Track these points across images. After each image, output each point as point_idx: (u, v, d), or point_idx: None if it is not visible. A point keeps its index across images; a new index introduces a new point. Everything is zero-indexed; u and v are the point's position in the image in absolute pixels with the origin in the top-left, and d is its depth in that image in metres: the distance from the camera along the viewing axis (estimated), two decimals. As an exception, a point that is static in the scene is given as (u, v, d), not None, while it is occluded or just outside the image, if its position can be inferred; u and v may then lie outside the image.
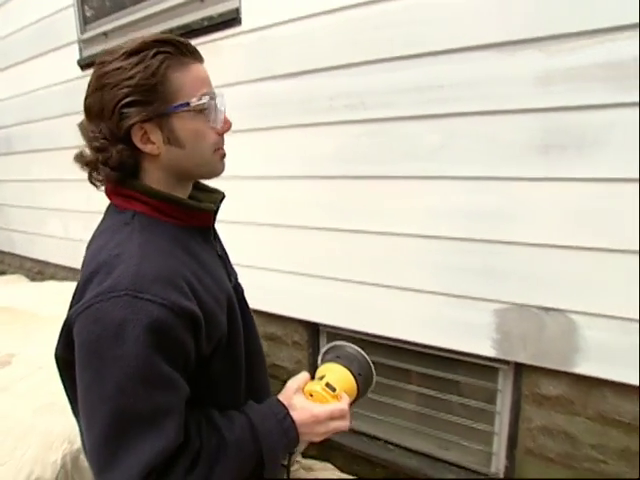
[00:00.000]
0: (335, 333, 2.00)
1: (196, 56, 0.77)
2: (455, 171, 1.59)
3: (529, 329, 1.55)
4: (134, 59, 0.71)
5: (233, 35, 1.87)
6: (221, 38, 1.90)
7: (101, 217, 0.85)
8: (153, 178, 0.79)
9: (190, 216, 0.82)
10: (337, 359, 0.96)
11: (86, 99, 0.75)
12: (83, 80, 2.87)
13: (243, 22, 1.86)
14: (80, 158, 0.78)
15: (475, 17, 1.46)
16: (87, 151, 0.77)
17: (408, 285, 1.74)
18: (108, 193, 0.82)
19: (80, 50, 2.65)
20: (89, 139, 0.75)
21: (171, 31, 2.01)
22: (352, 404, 0.91)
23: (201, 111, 0.76)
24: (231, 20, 1.85)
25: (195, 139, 0.78)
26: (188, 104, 0.75)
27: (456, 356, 1.77)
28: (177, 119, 0.75)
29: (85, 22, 2.60)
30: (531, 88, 1.40)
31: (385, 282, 1.79)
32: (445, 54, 1.52)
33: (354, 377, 0.93)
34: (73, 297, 0.75)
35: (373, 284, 1.81)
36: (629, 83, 1.27)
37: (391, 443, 2.00)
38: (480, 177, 1.55)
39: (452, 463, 1.86)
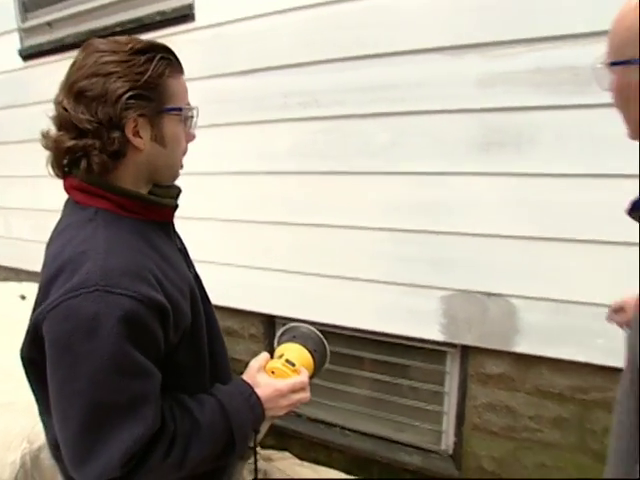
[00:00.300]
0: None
1: (182, 69, 0.84)
2: (405, 167, 1.68)
3: (473, 313, 1.67)
4: (142, 57, 0.77)
5: (187, 31, 1.87)
6: (175, 33, 1.90)
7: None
8: (126, 172, 0.81)
9: (151, 211, 0.85)
10: (294, 339, 1.03)
11: (77, 81, 0.75)
12: (25, 72, 2.73)
13: (197, 18, 1.87)
14: (56, 143, 0.77)
15: (423, 22, 1.56)
16: (63, 136, 0.76)
17: (361, 276, 1.82)
18: (69, 189, 0.82)
19: (21, 39, 2.54)
20: (78, 120, 0.74)
21: (122, 24, 1.99)
22: (311, 379, 0.97)
23: (185, 118, 0.85)
24: (185, 16, 1.86)
25: (175, 142, 0.85)
26: (180, 109, 0.83)
27: (407, 342, 1.87)
28: (167, 120, 0.82)
29: (25, 10, 2.49)
30: (473, 90, 1.51)
31: (339, 273, 1.86)
32: (396, 56, 1.61)
33: (310, 354, 1.00)
34: (37, 297, 0.75)
35: (328, 276, 1.88)
36: (557, 88, 1.40)
37: (347, 429, 2.08)
38: (428, 172, 1.65)
39: (405, 444, 1.97)
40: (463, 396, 1.81)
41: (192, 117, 0.88)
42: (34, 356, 0.75)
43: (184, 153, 0.91)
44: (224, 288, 2.09)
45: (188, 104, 0.86)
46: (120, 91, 0.74)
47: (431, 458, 1.91)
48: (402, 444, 1.97)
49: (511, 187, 1.53)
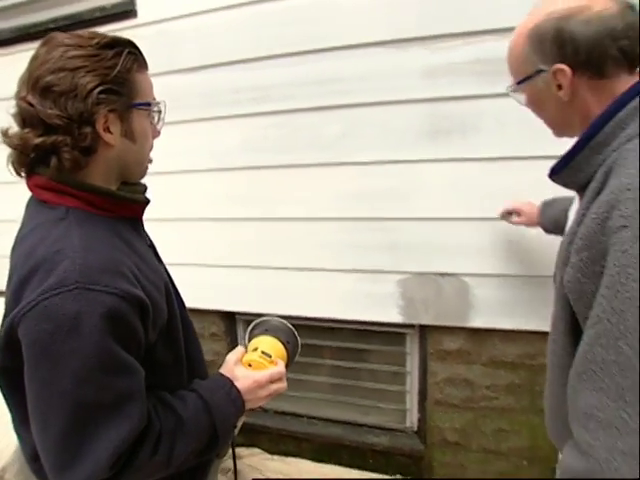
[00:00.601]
0: (252, 320, 2.05)
1: (147, 64, 0.85)
2: (356, 157, 1.74)
3: (429, 294, 1.76)
4: (110, 52, 0.76)
5: (130, 27, 1.82)
6: (116, 30, 1.84)
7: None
8: (96, 169, 0.80)
9: (122, 207, 0.85)
10: (266, 332, 1.06)
11: (42, 76, 0.73)
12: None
13: (139, 14, 1.82)
14: (22, 140, 0.75)
15: (368, 17, 1.62)
16: (28, 133, 0.74)
17: (319, 266, 1.86)
18: (34, 188, 0.80)
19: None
20: (46, 116, 0.72)
21: (56, 20, 1.90)
22: (285, 369, 1.00)
23: (154, 113, 0.86)
24: (126, 12, 1.81)
25: (144, 137, 0.86)
26: (149, 104, 0.84)
27: (367, 327, 1.93)
28: (136, 115, 0.82)
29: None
30: (419, 81, 1.60)
31: (297, 265, 1.89)
32: (343, 50, 1.66)
33: (283, 345, 1.04)
34: (7, 303, 0.73)
35: (286, 268, 1.91)
36: (496, 77, 1.51)
37: (314, 417, 2.12)
38: (378, 161, 1.72)
39: (372, 426, 2.03)
40: (424, 374, 1.90)
41: (160, 112, 0.88)
42: (7, 364, 0.73)
43: (151, 149, 0.91)
44: (180, 288, 2.06)
45: (154, 99, 0.87)
46: (90, 86, 0.73)
47: (397, 436, 1.99)
48: (369, 426, 2.04)
49: (459, 172, 1.63)
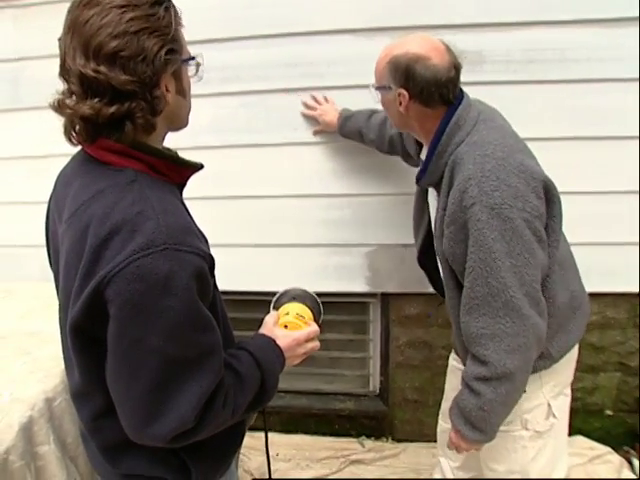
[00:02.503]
0: (225, 299, 2.08)
1: None
2: (324, 137, 1.85)
3: (393, 264, 1.92)
4: (160, 9, 0.74)
5: None
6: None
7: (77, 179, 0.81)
8: (157, 130, 0.80)
9: (175, 172, 0.86)
10: (293, 299, 1.14)
11: (105, 42, 0.70)
12: None
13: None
14: (96, 111, 0.71)
15: (337, 6, 1.74)
16: (98, 103, 0.71)
17: (291, 242, 1.95)
18: (98, 150, 0.78)
19: None
20: (119, 82, 0.70)
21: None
22: None
23: (197, 66, 0.85)
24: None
25: (189, 91, 0.87)
26: (194, 58, 0.83)
27: (333, 299, 2.05)
28: (184, 71, 0.82)
29: None
30: (386, 66, 1.74)
31: (269, 242, 1.96)
32: (313, 35, 1.76)
33: (311, 310, 1.12)
34: (85, 262, 0.71)
35: (258, 245, 1.97)
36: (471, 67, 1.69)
37: (282, 391, 2.19)
38: (345, 141, 1.84)
39: (337, 393, 2.16)
40: (387, 339, 2.06)
41: (200, 65, 0.87)
42: (86, 325, 0.74)
43: None
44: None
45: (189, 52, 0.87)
46: (156, 48, 0.73)
47: (361, 400, 2.14)
48: (334, 394, 2.16)
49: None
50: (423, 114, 1.18)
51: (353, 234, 1.91)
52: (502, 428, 1.20)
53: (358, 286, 1.95)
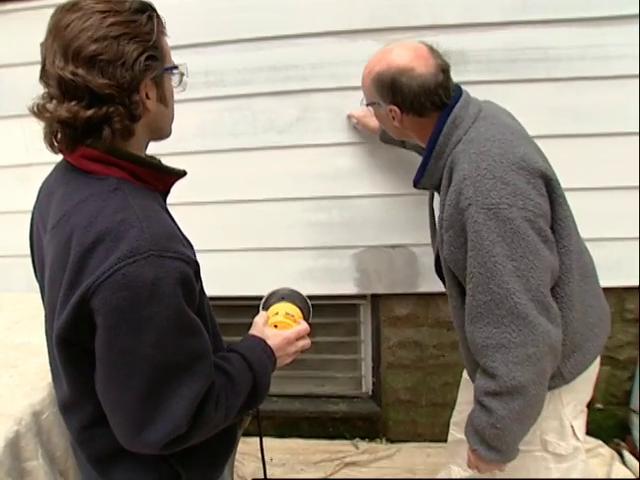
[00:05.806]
0: (214, 305, 2.07)
1: None
2: (311, 140, 1.85)
3: (381, 265, 1.92)
4: (143, 17, 0.75)
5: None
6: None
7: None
8: (137, 137, 0.80)
9: (160, 180, 0.86)
10: (282, 299, 1.14)
11: (85, 45, 0.70)
12: None
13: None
14: (72, 113, 0.71)
15: (320, 9, 1.74)
16: (76, 106, 0.71)
17: (279, 245, 1.94)
18: (80, 159, 0.77)
19: None
20: (97, 86, 0.70)
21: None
22: None
23: (180, 76, 0.86)
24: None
25: (172, 100, 0.88)
26: (177, 67, 0.84)
27: (323, 302, 2.05)
28: (167, 79, 0.83)
29: None
30: (370, 68, 1.75)
31: (257, 246, 1.95)
32: (297, 38, 1.76)
33: (300, 309, 1.12)
34: (70, 273, 0.71)
35: (246, 249, 1.95)
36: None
37: (273, 395, 2.18)
38: (332, 144, 1.85)
39: (330, 395, 2.16)
40: (377, 341, 2.06)
41: (183, 74, 0.89)
42: (72, 336, 0.73)
43: None
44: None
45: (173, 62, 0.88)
46: (136, 53, 0.73)
47: (354, 402, 2.14)
48: (327, 396, 2.16)
49: (405, 152, 1.81)
50: (419, 124, 1.16)
51: (341, 236, 1.90)
52: (522, 448, 1.10)
53: (348, 288, 1.95)
